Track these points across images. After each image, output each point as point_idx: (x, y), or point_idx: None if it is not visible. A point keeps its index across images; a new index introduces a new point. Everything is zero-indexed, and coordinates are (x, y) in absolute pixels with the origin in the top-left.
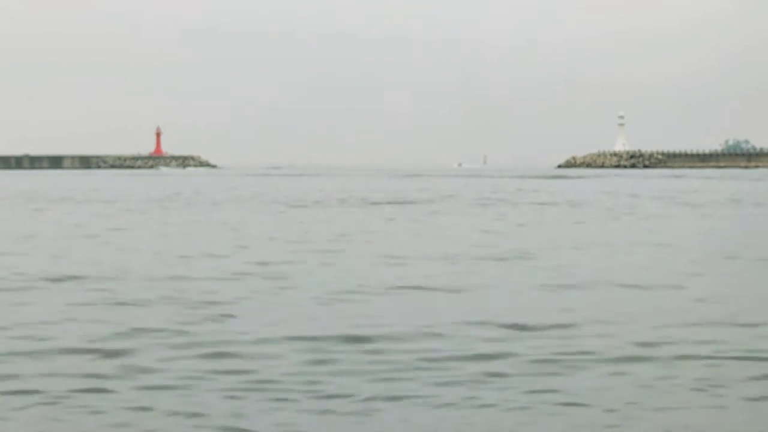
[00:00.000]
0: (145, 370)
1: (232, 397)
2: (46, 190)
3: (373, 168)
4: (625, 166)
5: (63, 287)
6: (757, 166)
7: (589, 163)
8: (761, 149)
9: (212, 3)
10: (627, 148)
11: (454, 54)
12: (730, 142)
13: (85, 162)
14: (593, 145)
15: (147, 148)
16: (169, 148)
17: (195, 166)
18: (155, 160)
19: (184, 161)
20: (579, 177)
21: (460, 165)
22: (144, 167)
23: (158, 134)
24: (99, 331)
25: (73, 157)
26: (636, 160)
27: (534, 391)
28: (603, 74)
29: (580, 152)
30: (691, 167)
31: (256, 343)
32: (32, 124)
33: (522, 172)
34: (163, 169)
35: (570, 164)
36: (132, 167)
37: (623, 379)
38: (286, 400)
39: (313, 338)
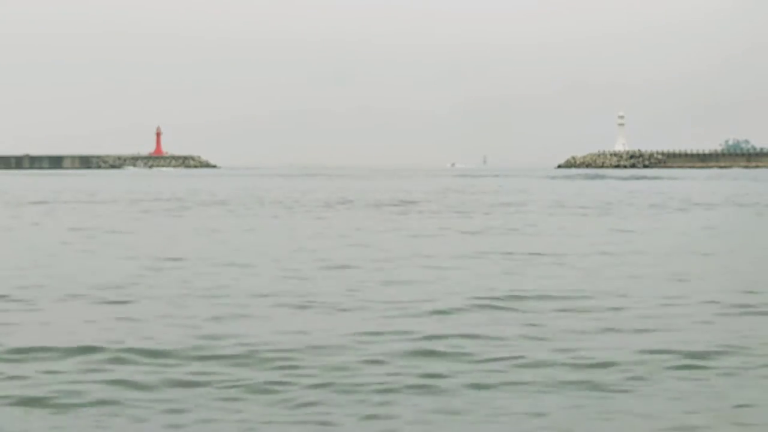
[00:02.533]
0: None
1: None
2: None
3: (368, 168)
4: (625, 166)
5: None
6: (757, 166)
7: (589, 163)
8: (761, 149)
9: (213, 3)
10: (627, 148)
11: (455, 54)
12: (730, 142)
13: (86, 162)
14: (593, 145)
15: (147, 148)
16: (169, 148)
17: (195, 166)
18: (154, 160)
19: (184, 161)
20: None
21: (453, 165)
22: (144, 167)
23: (158, 134)
24: None
25: (73, 157)
26: (636, 160)
27: None
28: (603, 74)
29: (580, 152)
30: (691, 167)
31: None
32: (32, 124)
33: (518, 172)
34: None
35: (570, 164)
36: (166, 167)
37: None
38: None
39: None
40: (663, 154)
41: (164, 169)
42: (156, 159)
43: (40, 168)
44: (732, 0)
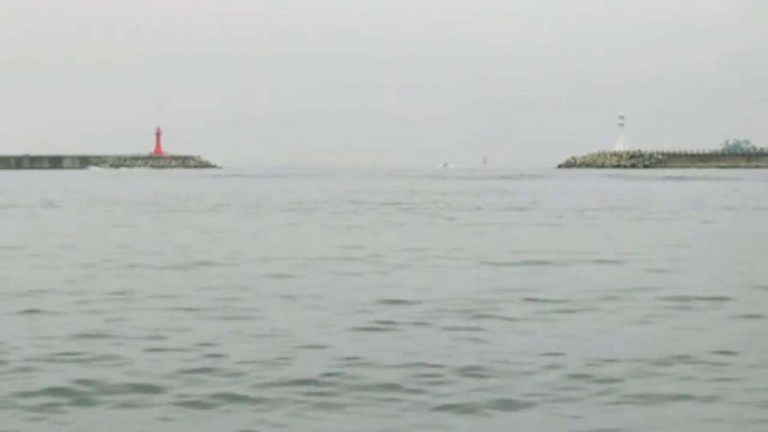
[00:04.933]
0: None
1: None
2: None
3: (362, 168)
4: (625, 166)
5: None
6: (757, 166)
7: (589, 163)
8: (761, 149)
9: (212, 3)
10: (627, 148)
11: (454, 54)
12: (730, 142)
13: (85, 162)
14: (593, 145)
15: (147, 148)
16: (169, 148)
17: (195, 166)
18: (155, 160)
19: (184, 161)
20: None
21: (446, 165)
22: (144, 166)
23: (158, 134)
24: None
25: (73, 157)
26: (636, 160)
27: None
28: (603, 74)
29: (580, 152)
30: (691, 167)
31: None
32: (32, 124)
33: (515, 172)
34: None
35: (570, 164)
36: (132, 167)
37: None
38: None
39: None
40: (663, 154)
41: (122, 169)
42: (156, 159)
43: (40, 168)
44: (733, 0)
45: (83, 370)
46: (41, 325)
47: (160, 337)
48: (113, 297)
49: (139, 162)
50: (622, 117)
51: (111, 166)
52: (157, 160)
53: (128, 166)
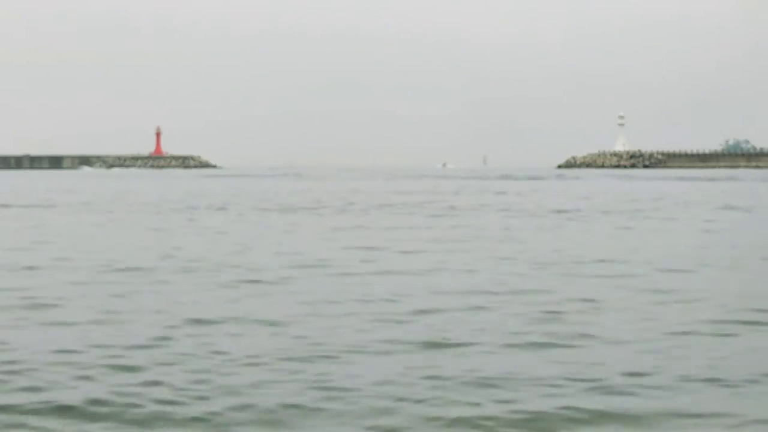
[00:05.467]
0: None
1: None
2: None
3: (362, 169)
4: (625, 166)
5: None
6: (757, 166)
7: (589, 163)
8: (761, 149)
9: (212, 3)
10: (627, 148)
11: (454, 54)
12: (730, 142)
13: (85, 162)
14: (593, 145)
15: (147, 148)
16: (169, 148)
17: (195, 166)
18: (155, 160)
19: (184, 161)
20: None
21: (444, 165)
22: (144, 167)
23: (158, 134)
24: None
25: (73, 157)
26: (636, 160)
27: None
28: (603, 74)
29: (580, 152)
30: (691, 167)
31: None
32: (32, 124)
33: (515, 172)
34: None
35: (570, 164)
36: (129, 167)
37: None
38: None
39: None
40: (663, 154)
41: (115, 170)
42: (156, 159)
43: (40, 168)
44: (733, 0)
45: (91, 379)
46: (42, 327)
47: (166, 346)
48: (115, 298)
49: (139, 162)
50: (622, 117)
51: (111, 166)
52: (157, 160)
53: (126, 166)
